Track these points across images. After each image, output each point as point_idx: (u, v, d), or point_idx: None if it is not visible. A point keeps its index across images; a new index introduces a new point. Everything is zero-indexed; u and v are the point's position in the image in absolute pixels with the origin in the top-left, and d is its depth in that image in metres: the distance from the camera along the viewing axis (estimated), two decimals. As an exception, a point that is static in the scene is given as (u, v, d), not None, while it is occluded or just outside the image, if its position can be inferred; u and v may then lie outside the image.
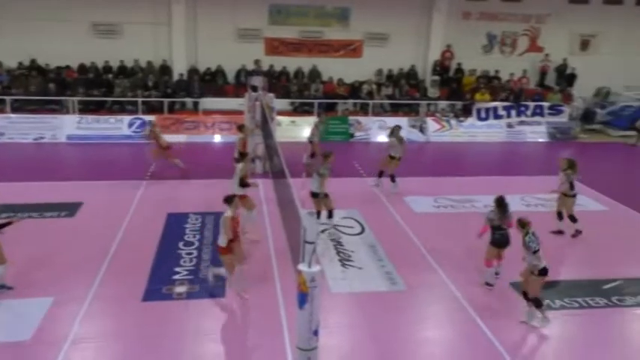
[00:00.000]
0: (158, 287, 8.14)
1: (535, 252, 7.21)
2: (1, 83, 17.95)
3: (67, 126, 17.06)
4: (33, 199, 11.34)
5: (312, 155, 12.88)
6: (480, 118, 19.46)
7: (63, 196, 11.64)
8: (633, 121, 20.16)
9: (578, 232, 10.50)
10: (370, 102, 19.37)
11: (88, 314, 7.41)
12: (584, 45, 22.03)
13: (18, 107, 17.59)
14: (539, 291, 7.36)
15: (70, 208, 11.03)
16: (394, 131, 12.74)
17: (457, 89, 20.45)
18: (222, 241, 7.69)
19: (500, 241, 8.30)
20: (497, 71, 21.08)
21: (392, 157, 12.51)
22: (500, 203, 8.33)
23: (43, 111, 17.71)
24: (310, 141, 13.46)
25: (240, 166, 9.74)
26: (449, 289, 8.41)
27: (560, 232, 10.56)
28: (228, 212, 7.68)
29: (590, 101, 21.45)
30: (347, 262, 9.19)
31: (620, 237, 10.73)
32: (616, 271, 9.14)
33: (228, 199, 7.80)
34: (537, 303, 7.34)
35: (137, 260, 8.92)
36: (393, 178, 12.57)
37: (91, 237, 9.75)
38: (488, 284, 8.45)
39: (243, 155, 10.79)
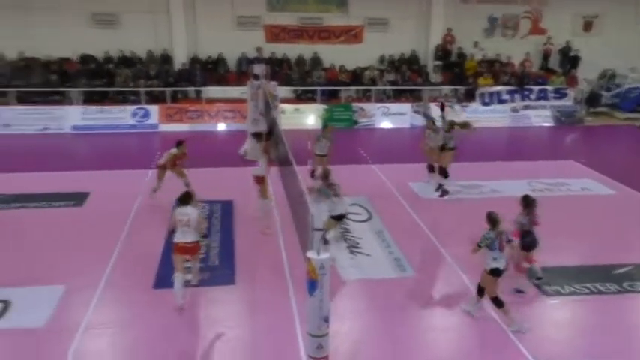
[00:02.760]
0: (169, 274, 8.20)
1: (492, 250, 6.83)
2: (4, 75, 17.91)
3: (71, 117, 17.09)
4: (41, 190, 11.41)
5: (312, 174, 11.61)
6: (483, 103, 19.41)
7: (70, 186, 11.71)
8: (639, 103, 20.11)
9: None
10: (373, 88, 19.32)
11: (100, 301, 7.50)
12: (587, 26, 21.86)
13: (22, 99, 17.61)
14: (493, 290, 7.00)
15: (78, 198, 11.09)
16: (430, 120, 12.35)
17: (460, 74, 20.38)
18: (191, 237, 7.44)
19: (530, 244, 7.81)
20: (497, 55, 20.98)
21: (444, 149, 11.45)
22: (528, 202, 7.77)
23: (46, 102, 17.72)
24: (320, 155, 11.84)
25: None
26: (457, 275, 8.47)
27: None
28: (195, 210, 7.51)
29: (595, 84, 21.33)
30: (355, 249, 9.25)
31: (629, 221, 10.68)
32: (626, 256, 9.07)
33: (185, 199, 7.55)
34: (497, 303, 7.00)
35: (147, 248, 8.99)
36: (444, 173, 11.57)
37: (101, 226, 9.82)
38: (519, 291, 7.92)
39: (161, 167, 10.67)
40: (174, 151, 10.79)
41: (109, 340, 6.79)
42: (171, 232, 7.52)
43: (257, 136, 11.40)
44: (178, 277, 7.35)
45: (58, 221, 10.10)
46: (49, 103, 17.64)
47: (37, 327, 6.85)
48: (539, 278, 8.14)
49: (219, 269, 8.47)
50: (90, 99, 18.00)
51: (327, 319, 5.54)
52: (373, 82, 19.60)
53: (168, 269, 8.31)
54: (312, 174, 11.40)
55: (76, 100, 17.78)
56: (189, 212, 7.38)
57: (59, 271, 8.23)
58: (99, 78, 18.51)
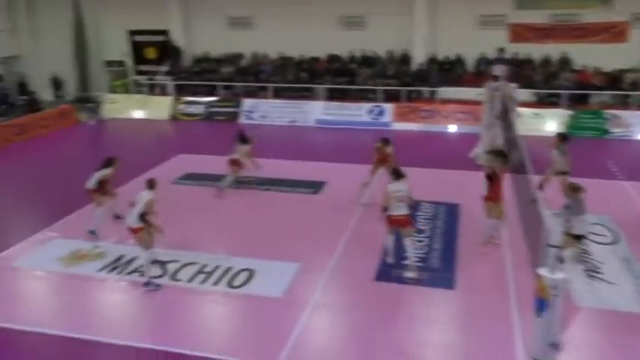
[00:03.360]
0: (389, 269, 8.48)
1: None
2: (266, 73, 20.57)
3: (315, 111, 18.77)
4: (286, 175, 12.80)
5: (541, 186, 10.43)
6: None
7: (310, 174, 12.88)
8: None
9: None
10: (633, 94, 16.88)
11: (327, 283, 8.12)
12: None
13: (278, 93, 20.02)
14: None
15: (316, 186, 12.16)
16: None
17: None
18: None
19: None
20: None
21: None
22: None
23: (296, 97, 19.80)
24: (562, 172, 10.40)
25: None
26: None
27: None
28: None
29: None
30: (594, 274, 8.24)
31: None
32: None
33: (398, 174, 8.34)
34: None
35: (372, 240, 9.39)
36: None
37: (333, 214, 10.59)
38: None
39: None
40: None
41: (332, 321, 7.31)
42: (385, 208, 8.26)
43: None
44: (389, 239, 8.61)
45: (298, 205, 11.21)
46: (298, 99, 19.68)
47: (274, 297, 7.74)
48: None
49: (440, 272, 8.42)
50: (333, 96, 19.53)
51: (555, 346, 5.09)
52: (635, 86, 17.12)
53: (389, 265, 8.60)
54: (541, 186, 10.46)
55: (321, 96, 19.47)
56: (403, 189, 8.17)
57: (296, 250, 9.13)
58: (342, 76, 19.93)
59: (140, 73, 23.03)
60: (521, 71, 18.31)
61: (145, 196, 8.02)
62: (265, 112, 19.13)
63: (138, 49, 23.11)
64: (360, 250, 9.17)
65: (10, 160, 15.25)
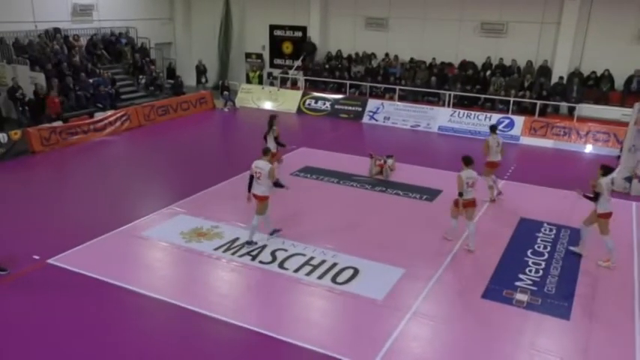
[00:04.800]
0: (499, 288, 8.10)
1: None
2: (395, 75, 20.52)
3: (440, 117, 18.36)
4: (403, 179, 12.70)
5: None
6: None
7: (427, 181, 12.66)
8: None
9: None
10: None
11: (430, 293, 7.95)
12: None
13: (403, 97, 19.89)
14: None
15: (431, 193, 11.94)
16: None
17: None
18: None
19: None
20: None
21: None
22: None
23: (422, 102, 19.52)
24: None
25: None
26: None
27: None
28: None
29: None
30: None
31: None
32: None
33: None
34: None
35: (483, 256, 9.07)
36: None
37: (445, 224, 10.32)
38: None
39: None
40: None
41: (431, 331, 7.15)
42: (461, 193, 9.06)
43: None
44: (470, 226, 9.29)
45: (411, 211, 11.09)
46: (425, 103, 19.39)
47: (375, 298, 7.75)
48: None
49: (555, 299, 7.87)
50: (461, 103, 18.97)
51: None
52: None
53: (499, 283, 8.22)
54: None
55: (449, 102, 19.00)
56: (474, 176, 9.12)
57: (403, 255, 9.05)
58: (473, 84, 19.28)
59: (275, 66, 24.19)
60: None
61: (266, 166, 8.91)
62: (389, 113, 19.09)
63: (276, 43, 24.29)
64: (469, 263, 8.88)
65: (152, 138, 16.82)
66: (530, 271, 8.66)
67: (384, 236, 9.82)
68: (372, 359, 6.43)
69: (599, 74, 18.10)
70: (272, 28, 24.11)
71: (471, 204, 9.16)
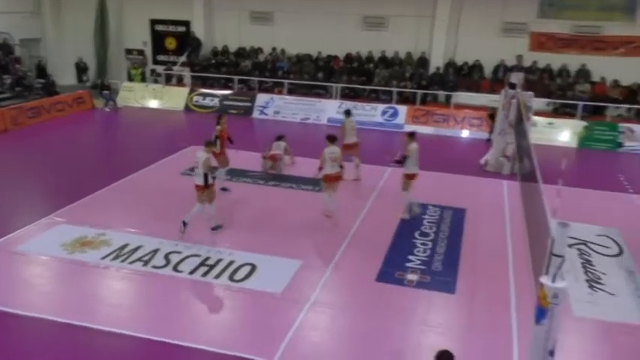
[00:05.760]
0: (391, 271, 8.47)
1: None
2: (283, 69, 20.62)
3: (329, 109, 18.78)
4: (296, 172, 12.82)
5: None
6: None
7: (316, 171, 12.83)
8: None
9: None
10: (650, 108, 16.69)
11: (328, 282, 8.12)
12: None
13: (292, 90, 20.06)
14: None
15: (318, 184, 12.13)
16: None
17: None
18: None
19: None
20: None
21: None
22: None
23: (311, 95, 19.83)
24: None
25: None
26: None
27: None
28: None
29: None
30: (596, 285, 8.19)
31: None
32: None
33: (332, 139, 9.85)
34: None
35: (375, 242, 9.41)
36: None
37: (336, 214, 10.59)
38: None
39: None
40: None
41: (330, 319, 7.30)
42: (321, 168, 9.76)
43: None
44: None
45: (305, 203, 11.21)
46: (313, 96, 19.71)
47: (274, 292, 7.76)
48: None
49: (441, 275, 8.39)
50: (348, 95, 19.52)
51: (552, 353, 5.04)
52: (653, 101, 16.92)
53: (391, 266, 8.60)
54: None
55: (336, 94, 19.47)
56: (336, 151, 9.81)
57: (299, 246, 9.16)
58: (359, 76, 19.91)
59: (159, 62, 23.26)
60: (539, 81, 18.18)
61: (202, 156, 9.18)
62: (279, 107, 19.18)
63: (158, 38, 23.35)
64: (363, 249, 9.17)
65: (22, 142, 15.46)
66: (418, 251, 9.15)
67: (280, 230, 9.85)
68: (272, 353, 6.44)
69: (471, 64, 19.54)
70: (153, 22, 23.15)
71: (334, 178, 9.88)
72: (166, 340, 6.65)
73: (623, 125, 16.48)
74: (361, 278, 8.26)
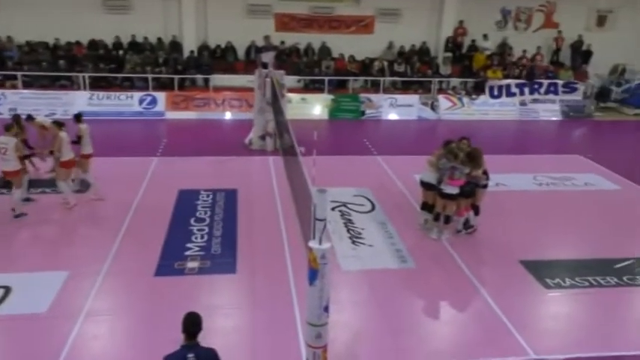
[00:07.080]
0: (170, 262, 8.24)
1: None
2: (12, 59, 17.99)
3: (78, 102, 17.05)
4: (45, 175, 11.43)
5: None
6: (492, 96, 19.26)
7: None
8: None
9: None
10: (381, 79, 19.20)
11: (102, 288, 7.52)
12: (601, 21, 21.61)
13: (29, 83, 17.68)
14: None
15: (83, 184, 11.10)
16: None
17: (469, 66, 20.20)
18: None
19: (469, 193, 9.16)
20: (511, 48, 20.78)
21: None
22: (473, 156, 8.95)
23: (53, 87, 17.77)
24: None
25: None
26: (458, 267, 8.43)
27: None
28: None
29: (605, 79, 21.13)
30: (357, 240, 9.23)
31: (633, 216, 10.69)
32: (628, 250, 9.12)
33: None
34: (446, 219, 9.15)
35: (149, 236, 9.02)
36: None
37: (104, 213, 9.86)
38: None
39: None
40: None
41: (110, 326, 6.81)
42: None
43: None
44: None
45: (62, 207, 10.11)
46: (57, 88, 17.71)
47: (39, 312, 6.89)
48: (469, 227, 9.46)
49: (221, 258, 8.47)
50: (97, 85, 18.03)
51: (326, 309, 5.53)
52: (382, 72, 19.47)
53: (170, 258, 8.37)
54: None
55: (84, 85, 17.82)
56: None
57: (63, 257, 8.27)
58: (107, 63, 18.52)
59: None
60: (289, 59, 19.36)
61: (10, 141, 9.07)
62: (15, 104, 16.70)
63: None
64: (137, 247, 8.70)
65: None
66: (196, 238, 9.07)
67: (39, 241, 8.75)
68: (47, 379, 5.75)
69: (223, 46, 19.77)
70: None
71: (67, 164, 9.87)
72: None
73: (363, 96, 18.67)
74: (138, 277, 7.85)
